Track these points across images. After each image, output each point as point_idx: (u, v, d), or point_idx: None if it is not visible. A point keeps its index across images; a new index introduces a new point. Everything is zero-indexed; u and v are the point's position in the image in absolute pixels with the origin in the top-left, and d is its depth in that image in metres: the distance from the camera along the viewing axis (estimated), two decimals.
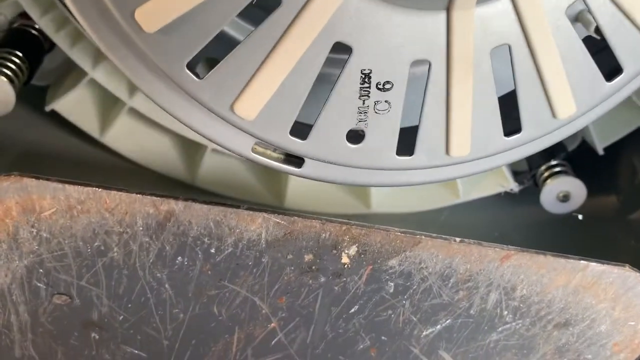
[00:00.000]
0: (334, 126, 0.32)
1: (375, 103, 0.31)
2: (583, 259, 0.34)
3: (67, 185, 0.31)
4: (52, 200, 0.31)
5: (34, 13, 0.42)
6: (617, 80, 0.33)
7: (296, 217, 0.33)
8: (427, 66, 0.31)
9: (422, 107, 0.32)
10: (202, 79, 0.29)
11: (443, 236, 0.34)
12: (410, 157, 0.33)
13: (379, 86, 0.31)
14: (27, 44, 0.44)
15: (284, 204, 0.48)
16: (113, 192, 0.31)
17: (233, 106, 0.30)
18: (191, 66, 0.29)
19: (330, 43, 0.29)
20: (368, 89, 0.31)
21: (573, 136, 0.46)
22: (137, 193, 0.32)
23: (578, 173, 0.50)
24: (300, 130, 0.32)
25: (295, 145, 0.32)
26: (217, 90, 0.29)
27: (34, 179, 0.31)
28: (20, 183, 0.31)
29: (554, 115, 0.34)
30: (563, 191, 0.49)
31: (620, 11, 0.31)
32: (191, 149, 0.48)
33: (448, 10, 0.29)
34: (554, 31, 0.31)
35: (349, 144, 0.32)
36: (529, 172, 0.51)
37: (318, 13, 0.28)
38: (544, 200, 0.49)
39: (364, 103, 0.31)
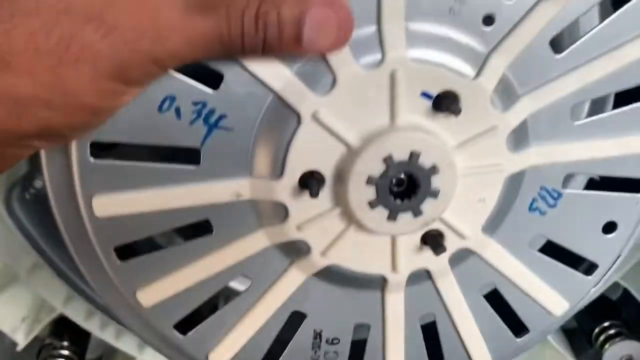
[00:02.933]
0: None
1: (325, 353, 0.39)
2: None
3: None
4: None
5: (77, 317, 0.46)
6: None
7: None
8: None
9: None
10: (186, 335, 0.37)
11: None
12: None
13: (328, 341, 0.39)
14: (73, 332, 0.47)
15: None
16: None
17: (209, 355, 0.37)
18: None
19: (288, 312, 0.37)
20: (319, 343, 0.39)
21: (613, 285, 0.50)
22: None
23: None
24: None
25: None
26: (198, 343, 0.37)
27: None
28: None
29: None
30: (625, 355, 0.51)
31: None
32: None
33: (382, 291, 0.38)
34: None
35: None
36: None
37: (280, 292, 0.37)
38: None
39: (315, 353, 0.39)
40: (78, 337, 0.48)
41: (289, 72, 0.30)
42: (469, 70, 0.32)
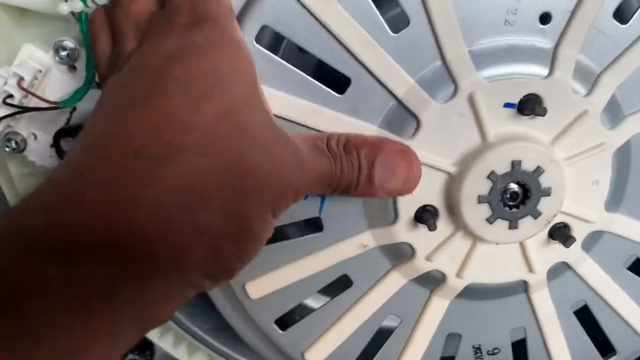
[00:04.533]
0: None
1: None
2: None
3: None
4: None
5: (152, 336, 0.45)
6: None
7: None
8: None
9: None
10: (284, 331, 0.38)
11: None
12: None
13: (489, 352, 0.40)
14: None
15: None
16: None
17: (304, 353, 0.39)
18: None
19: (444, 335, 0.39)
20: (481, 356, 0.40)
21: None
22: None
23: None
24: None
25: None
26: (295, 340, 0.39)
27: None
28: None
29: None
30: None
31: None
32: None
33: (526, 293, 0.39)
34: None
35: None
36: None
37: (431, 321, 0.39)
38: None
39: None
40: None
41: (375, 127, 0.33)
42: (539, 69, 0.33)
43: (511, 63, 0.33)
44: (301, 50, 0.32)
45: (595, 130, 0.34)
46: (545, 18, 0.32)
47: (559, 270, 0.38)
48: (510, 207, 0.34)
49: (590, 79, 0.34)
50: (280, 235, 0.37)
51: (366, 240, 0.36)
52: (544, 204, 0.34)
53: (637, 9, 0.33)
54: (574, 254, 0.37)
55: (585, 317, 0.41)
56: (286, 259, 0.36)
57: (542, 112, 0.32)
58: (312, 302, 0.42)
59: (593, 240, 0.38)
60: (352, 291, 0.37)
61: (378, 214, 0.35)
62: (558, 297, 0.39)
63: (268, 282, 0.37)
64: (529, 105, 0.33)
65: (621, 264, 0.39)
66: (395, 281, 0.37)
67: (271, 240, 0.36)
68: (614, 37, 0.33)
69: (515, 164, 0.33)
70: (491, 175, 0.33)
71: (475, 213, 0.34)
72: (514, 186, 0.34)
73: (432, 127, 0.33)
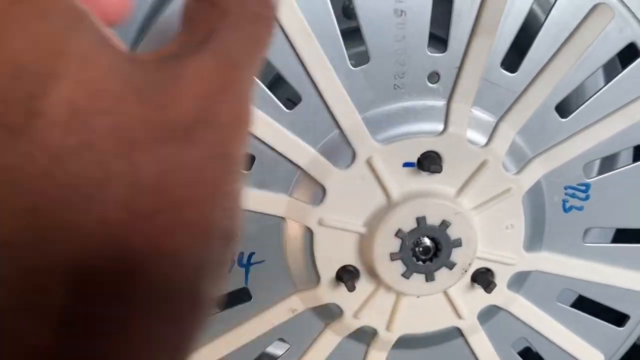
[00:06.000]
0: None
1: None
2: None
3: None
4: None
5: None
6: None
7: None
8: None
9: None
10: None
11: None
12: None
13: None
14: None
15: None
16: None
17: None
18: None
19: None
20: None
21: None
22: None
23: None
24: None
25: None
26: None
27: None
28: None
29: None
30: None
31: None
32: None
33: (463, 336, 0.39)
34: None
35: None
36: None
37: (316, 355, 0.39)
38: None
39: None
40: None
41: (285, 196, 0.34)
42: (435, 126, 0.34)
43: (405, 124, 0.34)
44: None
45: (499, 178, 0.35)
46: (433, 76, 0.34)
47: (492, 311, 0.39)
48: (424, 261, 0.35)
49: (487, 129, 0.35)
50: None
51: (294, 304, 0.37)
52: (457, 255, 0.35)
53: (523, 59, 0.34)
54: (501, 296, 0.38)
55: (529, 352, 0.41)
56: (217, 332, 0.38)
57: (438, 170, 0.33)
58: None
59: (522, 279, 0.39)
60: (289, 355, 0.38)
61: (302, 278, 0.36)
62: (496, 337, 0.40)
63: (201, 356, 0.38)
64: (427, 163, 0.34)
65: (554, 298, 0.40)
66: (330, 340, 0.38)
67: None
68: (506, 86, 0.34)
69: (420, 220, 0.34)
70: (399, 233, 0.34)
71: (390, 270, 0.35)
72: (425, 240, 0.35)
73: (338, 193, 0.34)
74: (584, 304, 0.40)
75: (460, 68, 0.33)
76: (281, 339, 0.38)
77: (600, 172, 0.41)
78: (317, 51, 0.31)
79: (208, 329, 0.38)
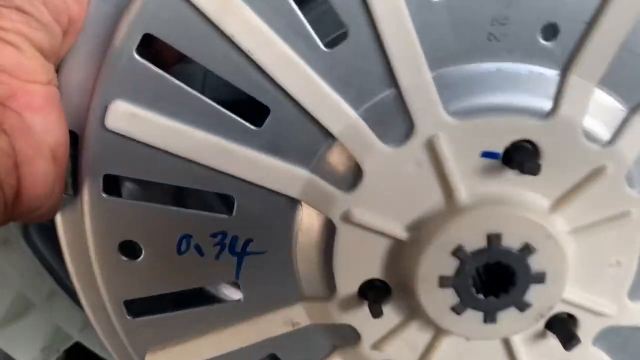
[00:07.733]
0: None
1: None
2: None
3: None
4: None
5: (93, 346, 0.43)
6: None
7: None
8: None
9: None
10: None
11: None
12: None
13: None
14: None
15: None
16: None
17: None
18: None
19: None
20: None
21: None
22: None
23: None
24: None
25: None
26: None
27: None
28: None
29: None
30: None
31: None
32: None
33: None
34: None
35: None
36: None
37: None
38: None
39: None
40: None
41: (306, 172, 0.24)
42: (537, 102, 0.23)
43: (495, 94, 0.23)
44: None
45: (618, 194, 0.24)
46: (548, 30, 0.22)
47: None
48: (487, 295, 0.24)
49: (614, 122, 0.23)
50: (192, 299, 0.29)
51: (297, 315, 0.27)
52: (535, 293, 0.24)
53: None
54: (583, 355, 0.27)
55: None
56: (199, 330, 0.28)
57: (534, 169, 0.22)
58: None
59: (615, 335, 0.28)
60: None
61: (312, 284, 0.26)
62: None
63: (174, 356, 0.29)
64: (517, 157, 0.23)
65: None
66: None
67: (179, 305, 0.29)
68: None
69: (493, 238, 0.23)
70: (458, 252, 0.23)
71: (436, 299, 0.24)
72: (494, 266, 0.24)
73: (378, 178, 0.24)
74: None
75: (591, 24, 0.22)
76: (273, 355, 0.29)
77: None
78: None
79: (185, 326, 0.28)
